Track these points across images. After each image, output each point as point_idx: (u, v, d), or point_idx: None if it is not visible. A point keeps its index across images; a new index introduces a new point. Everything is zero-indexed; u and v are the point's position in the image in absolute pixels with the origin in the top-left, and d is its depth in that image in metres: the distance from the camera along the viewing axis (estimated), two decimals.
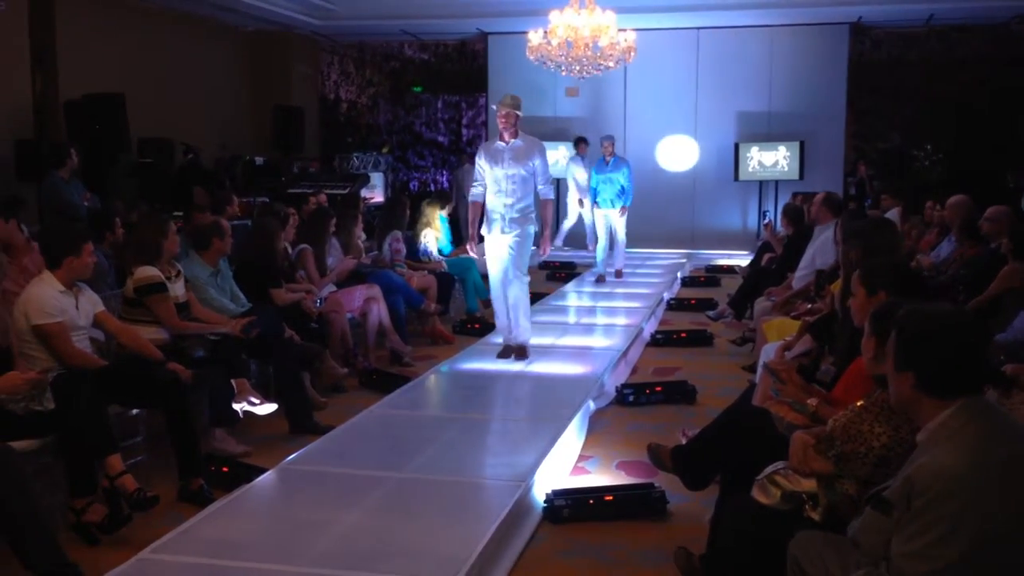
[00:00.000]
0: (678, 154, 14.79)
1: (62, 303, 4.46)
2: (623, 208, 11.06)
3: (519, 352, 6.94)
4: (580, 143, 13.80)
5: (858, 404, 2.76)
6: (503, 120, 6.65)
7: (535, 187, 6.89)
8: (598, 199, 11.07)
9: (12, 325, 4.32)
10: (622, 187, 10.92)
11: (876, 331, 2.67)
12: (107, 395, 4.30)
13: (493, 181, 6.75)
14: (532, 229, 6.83)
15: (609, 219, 11.08)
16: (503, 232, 6.74)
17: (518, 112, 6.71)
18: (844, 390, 3.39)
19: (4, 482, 3.39)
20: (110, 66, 11.19)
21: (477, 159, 6.92)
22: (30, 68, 10.03)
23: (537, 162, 6.74)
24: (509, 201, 6.70)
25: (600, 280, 11.10)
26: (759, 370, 5.13)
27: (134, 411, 4.75)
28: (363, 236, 8.28)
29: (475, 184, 6.91)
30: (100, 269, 5.95)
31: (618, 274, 11.36)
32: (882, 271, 3.47)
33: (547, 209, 7.09)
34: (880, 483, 2.48)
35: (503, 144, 6.74)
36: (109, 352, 4.97)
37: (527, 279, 6.87)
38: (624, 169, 10.94)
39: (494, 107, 6.74)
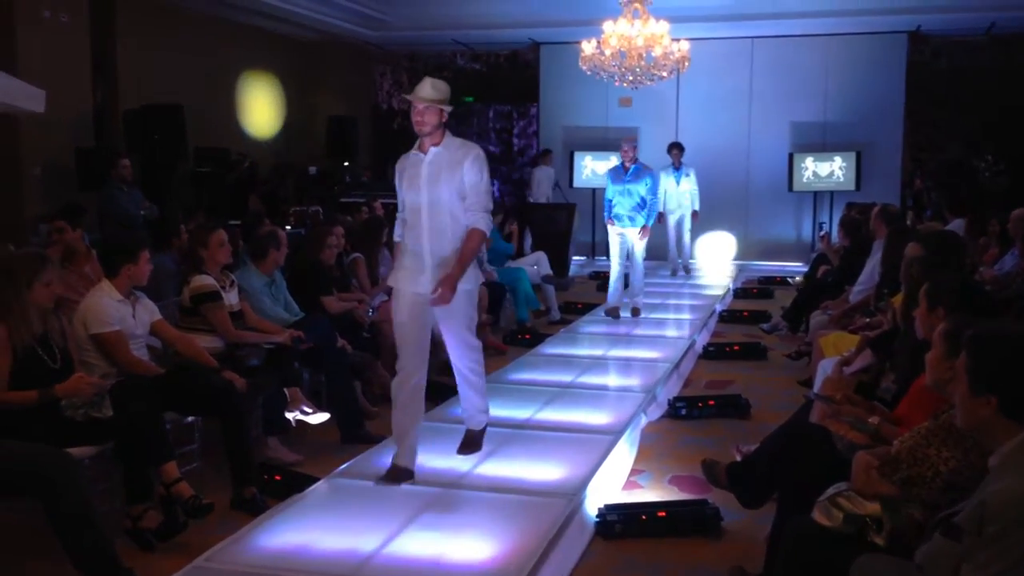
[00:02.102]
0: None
1: (120, 312, 4.53)
2: (644, 228, 9.17)
3: (471, 444, 4.90)
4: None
5: (924, 426, 2.69)
6: (419, 119, 4.42)
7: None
8: (613, 214, 9.15)
9: (71, 333, 4.39)
10: (642, 200, 9.09)
11: (949, 352, 2.60)
12: (163, 403, 4.35)
13: (411, 211, 4.52)
14: (473, 284, 4.60)
15: (626, 240, 9.20)
16: (422, 289, 4.45)
17: (443, 106, 4.43)
18: (908, 409, 3.30)
19: (63, 488, 3.44)
20: (169, 76, 11.41)
21: (395, 180, 4.67)
22: (91, 78, 10.24)
23: (469, 178, 4.42)
24: (436, 246, 4.44)
25: (612, 315, 9.30)
26: (816, 385, 5.04)
27: (189, 419, 4.79)
28: None
29: (399, 216, 4.69)
30: (167, 273, 6.05)
31: (635, 312, 9.39)
32: (948, 286, 3.39)
33: (470, 241, 4.44)
34: (948, 508, 2.41)
35: (420, 156, 4.51)
36: (165, 360, 5.03)
37: (477, 344, 4.85)
38: (647, 179, 9.10)
39: (408, 98, 4.50)
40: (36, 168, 9.52)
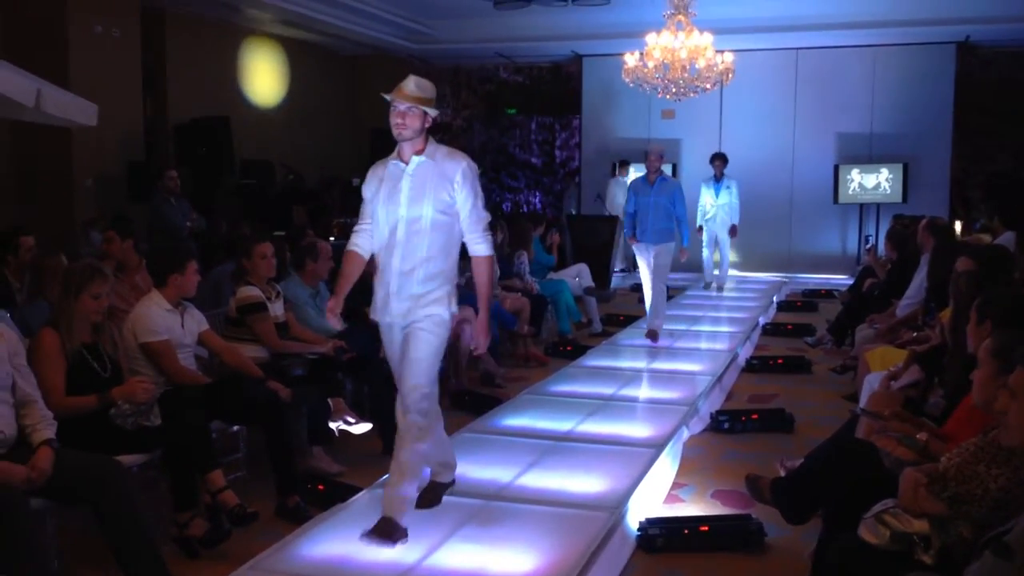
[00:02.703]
0: None
1: (168, 321, 4.61)
2: (682, 251, 8.77)
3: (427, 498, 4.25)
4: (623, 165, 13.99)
5: (972, 442, 2.65)
6: (399, 121, 3.88)
7: (458, 237, 4.04)
8: (636, 231, 8.45)
9: (121, 343, 4.47)
10: (668, 215, 8.35)
11: (1000, 370, 2.56)
12: (210, 412, 4.41)
13: (385, 226, 3.95)
14: (447, 313, 3.97)
15: (652, 259, 8.47)
16: (401, 321, 3.96)
17: (427, 109, 3.90)
18: (956, 425, 3.26)
19: (112, 495, 3.51)
20: (216, 90, 11.61)
21: (364, 187, 4.11)
22: (141, 92, 10.43)
23: (461, 194, 3.91)
24: (406, 264, 3.91)
25: (652, 337, 8.52)
26: (862, 400, 4.97)
27: (235, 428, 4.86)
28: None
29: (358, 226, 4.12)
30: (228, 282, 6.12)
31: (652, 336, 8.54)
32: (998, 300, 3.33)
33: (482, 271, 4.08)
34: (997, 526, 2.37)
35: (401, 166, 3.95)
36: (212, 370, 5.10)
37: (432, 390, 3.97)
38: (674, 192, 8.41)
39: (387, 98, 3.93)
40: (88, 180, 9.72)
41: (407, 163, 3.91)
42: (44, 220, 8.87)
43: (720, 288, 12.33)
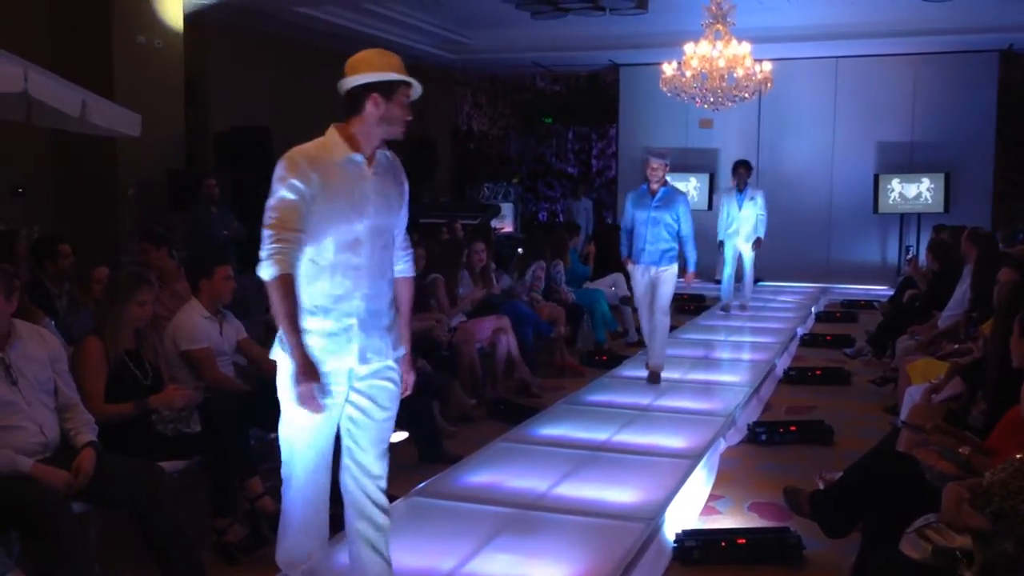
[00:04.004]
0: None
1: (207, 329, 4.66)
2: (688, 274, 7.45)
3: None
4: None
5: (1018, 457, 2.60)
6: (386, 115, 3.20)
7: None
8: (633, 250, 7.28)
9: (162, 350, 4.53)
10: (672, 233, 7.18)
11: None
12: (249, 419, 4.46)
13: (339, 244, 3.12)
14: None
15: (654, 280, 7.20)
16: (364, 359, 3.19)
17: (405, 89, 3.25)
18: (1000, 439, 3.21)
19: (153, 500, 3.56)
20: (257, 99, 11.75)
21: (292, 181, 3.15)
22: (183, 102, 10.58)
23: (405, 202, 3.38)
24: (370, 292, 3.19)
25: (653, 379, 7.32)
26: (902, 413, 4.91)
27: (273, 435, 4.88)
28: (493, 266, 8.36)
29: (280, 236, 3.07)
30: (252, 294, 6.18)
31: (654, 378, 7.31)
32: None
33: (409, 298, 3.60)
34: None
35: (360, 163, 3.18)
36: (250, 378, 5.15)
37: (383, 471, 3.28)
38: (679, 206, 7.19)
39: (396, 77, 3.25)
40: (131, 188, 9.86)
41: (371, 161, 3.24)
42: (87, 229, 9.00)
43: (744, 308, 11.10)
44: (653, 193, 7.19)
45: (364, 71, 3.21)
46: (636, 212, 7.25)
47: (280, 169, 3.17)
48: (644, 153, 7.68)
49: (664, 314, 7.30)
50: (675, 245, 7.20)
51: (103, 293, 4.20)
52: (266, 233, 3.06)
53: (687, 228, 7.21)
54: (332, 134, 3.22)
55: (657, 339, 7.30)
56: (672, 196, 7.21)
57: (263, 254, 3.03)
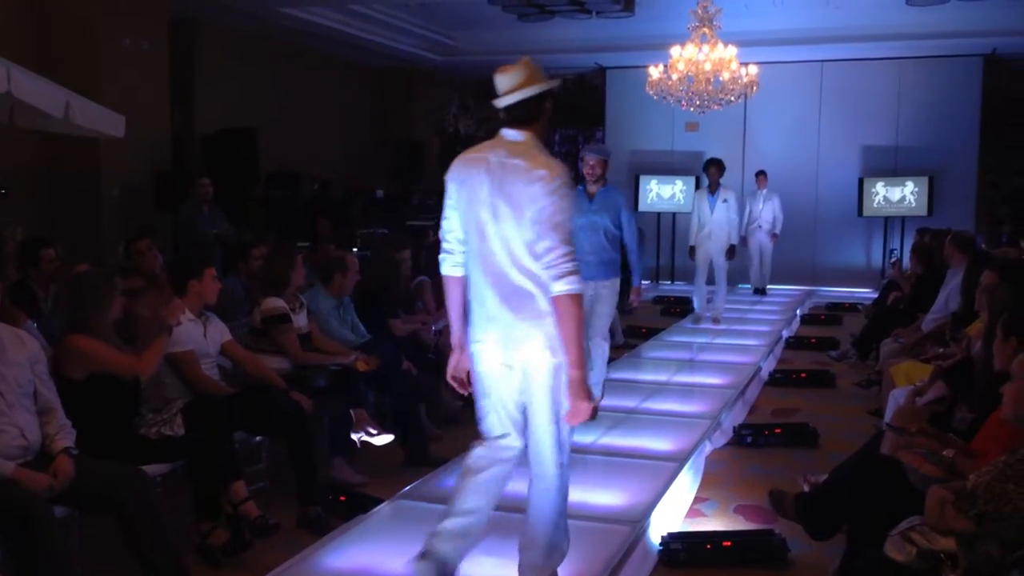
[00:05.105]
0: None
1: (191, 331, 4.63)
2: (636, 288, 6.57)
3: None
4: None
5: (1002, 460, 2.62)
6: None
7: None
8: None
9: None
10: (612, 239, 6.18)
11: None
12: (233, 422, 4.43)
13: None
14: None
15: (593, 299, 5.96)
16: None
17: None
18: (984, 442, 3.22)
19: (136, 504, 3.53)
20: (243, 101, 11.71)
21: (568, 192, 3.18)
22: (169, 103, 10.54)
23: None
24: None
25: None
26: (887, 415, 4.93)
27: (257, 438, 4.87)
28: None
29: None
30: (235, 297, 6.18)
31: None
32: None
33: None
34: None
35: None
36: (235, 380, 5.12)
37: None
38: (622, 210, 6.30)
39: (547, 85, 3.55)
40: (115, 189, 9.81)
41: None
42: (71, 230, 8.95)
43: (716, 320, 10.30)
44: (591, 196, 6.26)
45: (542, 79, 3.43)
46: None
47: (561, 177, 3.16)
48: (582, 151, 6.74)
49: (602, 336, 6.18)
50: (617, 255, 6.24)
51: (76, 295, 4.14)
52: (566, 249, 3.10)
53: (630, 237, 6.25)
54: (536, 141, 3.34)
55: (596, 370, 6.01)
56: (612, 198, 6.29)
57: (567, 267, 3.09)
